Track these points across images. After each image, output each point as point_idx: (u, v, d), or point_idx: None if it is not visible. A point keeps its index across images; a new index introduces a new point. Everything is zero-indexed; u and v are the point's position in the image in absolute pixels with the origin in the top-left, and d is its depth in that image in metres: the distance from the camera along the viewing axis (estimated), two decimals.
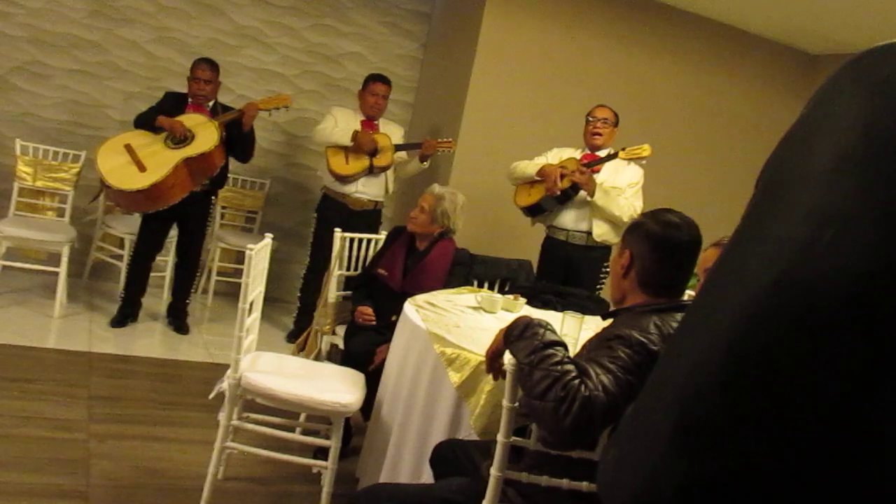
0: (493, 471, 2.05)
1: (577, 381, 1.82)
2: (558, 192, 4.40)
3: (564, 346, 1.95)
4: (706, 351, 0.69)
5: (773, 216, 0.70)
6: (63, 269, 4.80)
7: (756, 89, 6.36)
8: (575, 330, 2.86)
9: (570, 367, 1.86)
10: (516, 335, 2.00)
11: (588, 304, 3.79)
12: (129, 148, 4.51)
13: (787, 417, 0.65)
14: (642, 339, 1.92)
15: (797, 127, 0.73)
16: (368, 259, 4.15)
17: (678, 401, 0.69)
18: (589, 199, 4.39)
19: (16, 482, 2.94)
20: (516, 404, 2.02)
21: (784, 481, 0.65)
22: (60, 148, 5.29)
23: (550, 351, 1.90)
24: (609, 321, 2.18)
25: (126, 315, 4.94)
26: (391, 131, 5.22)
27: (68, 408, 3.60)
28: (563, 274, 4.53)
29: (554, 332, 2.00)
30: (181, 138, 4.57)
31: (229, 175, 5.20)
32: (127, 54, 5.63)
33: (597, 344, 2.03)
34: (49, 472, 3.04)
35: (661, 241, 2.09)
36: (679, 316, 2.03)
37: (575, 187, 4.40)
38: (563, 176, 4.38)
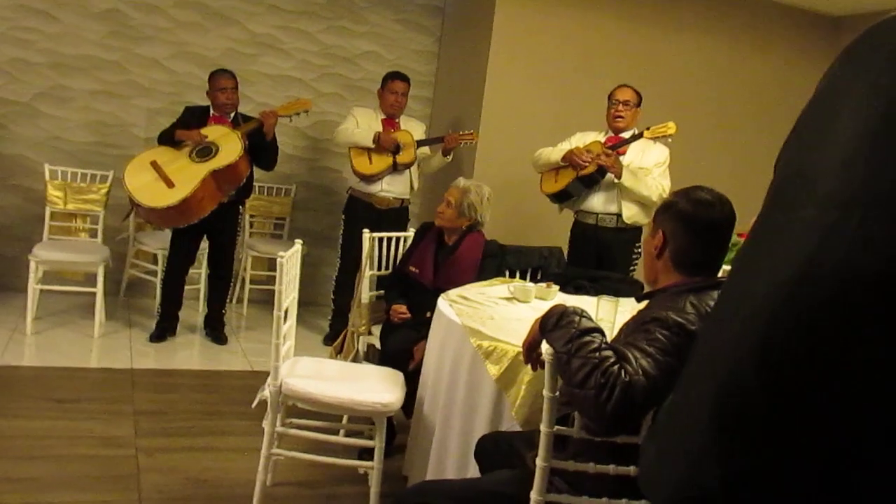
0: (539, 461, 2.05)
1: (616, 367, 1.80)
2: (586, 173, 4.38)
3: (601, 332, 1.94)
4: (739, 341, 0.67)
5: (797, 201, 0.68)
6: (100, 289, 4.85)
7: (779, 58, 6.26)
8: (610, 314, 2.84)
9: (609, 352, 1.85)
10: (552, 324, 1.99)
11: (621, 287, 3.76)
12: (155, 165, 4.55)
13: (823, 400, 0.63)
14: (680, 319, 1.90)
15: (814, 106, 0.72)
16: (398, 257, 4.15)
17: (715, 391, 0.68)
18: (616, 181, 4.36)
19: (69, 502, 2.99)
20: (557, 394, 2.01)
21: (826, 466, 0.64)
22: (88, 169, 5.35)
23: (588, 338, 1.88)
24: (644, 304, 2.16)
25: (164, 329, 5.00)
26: (412, 128, 5.22)
27: (115, 425, 3.65)
28: (595, 258, 4.51)
29: (590, 318, 1.98)
30: (206, 150, 4.60)
31: (255, 183, 5.24)
32: (147, 72, 5.68)
33: (633, 327, 2.02)
34: (101, 490, 3.09)
35: (695, 219, 2.07)
36: (716, 294, 2.01)
37: (601, 171, 4.37)
38: (588, 161, 4.38)
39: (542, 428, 2.03)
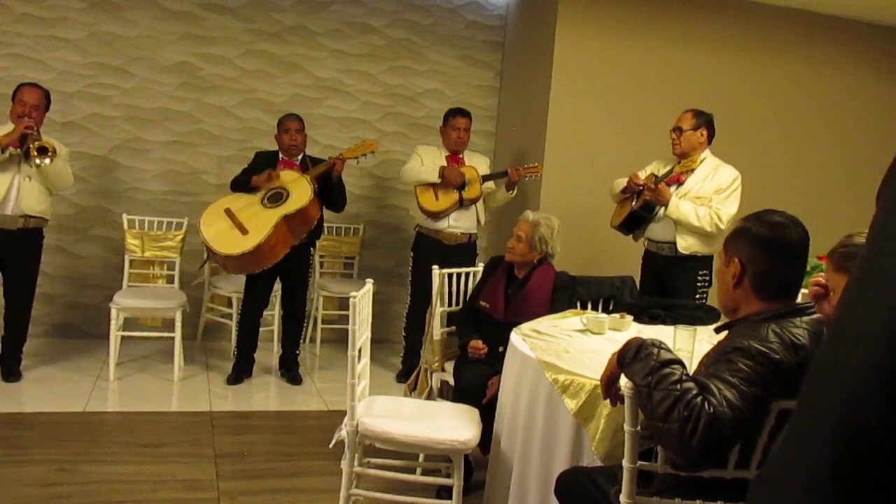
0: (623, 497, 2.01)
1: (699, 399, 1.77)
2: (636, 209, 4.39)
3: (682, 363, 1.90)
4: (858, 378, 0.64)
5: None
6: (178, 334, 4.97)
7: (846, 74, 6.11)
8: (688, 343, 2.79)
9: (691, 384, 1.81)
10: (630, 357, 1.96)
11: (697, 314, 3.69)
12: (229, 212, 4.67)
13: None
14: (763, 348, 1.86)
15: None
16: (468, 292, 4.15)
17: (835, 437, 0.64)
18: (663, 211, 4.34)
19: None
20: (638, 428, 1.98)
21: None
22: (164, 217, 5.52)
23: (668, 370, 1.85)
24: (723, 334, 2.12)
25: (241, 372, 5.08)
26: (476, 162, 5.25)
27: (198, 468, 3.71)
28: (659, 286, 4.46)
29: (669, 350, 1.95)
30: (277, 196, 4.70)
31: (324, 224, 5.32)
32: (216, 120, 5.85)
33: (715, 358, 1.97)
34: None
35: (773, 242, 2.02)
36: (798, 320, 1.96)
37: (647, 205, 4.36)
38: (639, 194, 4.37)
39: (625, 463, 2.00)
